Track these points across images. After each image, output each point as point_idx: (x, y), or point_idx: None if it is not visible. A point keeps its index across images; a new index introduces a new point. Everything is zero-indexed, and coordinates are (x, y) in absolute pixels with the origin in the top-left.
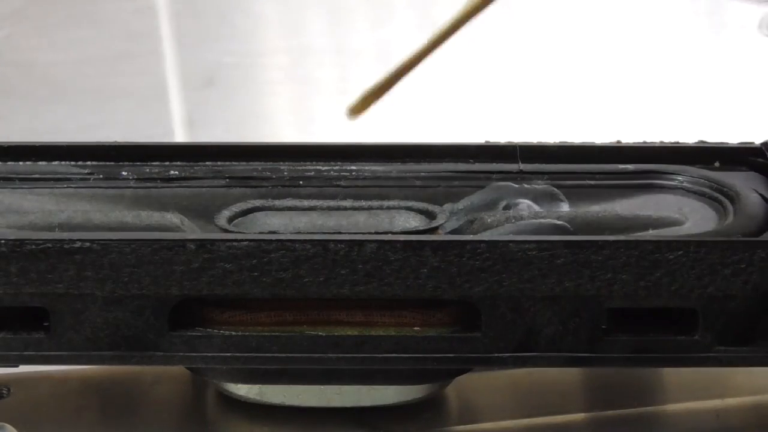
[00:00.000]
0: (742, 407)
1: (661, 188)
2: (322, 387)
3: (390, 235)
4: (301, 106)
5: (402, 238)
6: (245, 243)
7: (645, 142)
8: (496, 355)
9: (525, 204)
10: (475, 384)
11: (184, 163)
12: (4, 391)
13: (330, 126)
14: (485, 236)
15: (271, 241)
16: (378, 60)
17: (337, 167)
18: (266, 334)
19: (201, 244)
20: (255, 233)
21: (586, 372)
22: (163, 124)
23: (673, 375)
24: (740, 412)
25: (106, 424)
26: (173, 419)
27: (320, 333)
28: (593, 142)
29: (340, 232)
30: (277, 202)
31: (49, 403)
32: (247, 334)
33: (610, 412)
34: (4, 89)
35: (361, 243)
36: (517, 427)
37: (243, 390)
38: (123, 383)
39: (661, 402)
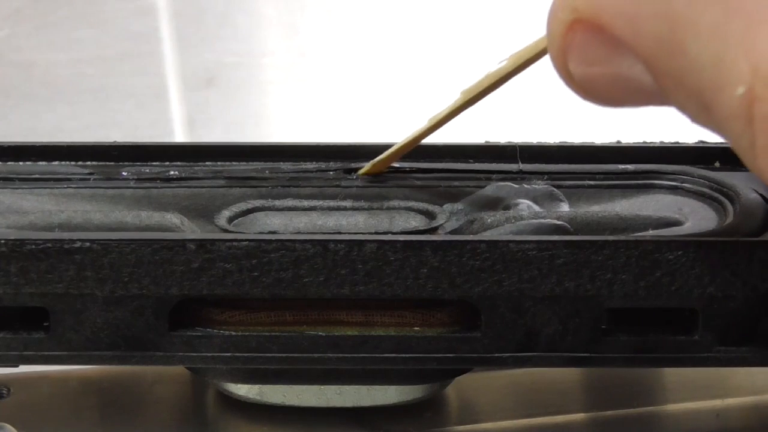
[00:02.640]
0: (742, 407)
1: (661, 188)
2: (322, 387)
3: (390, 235)
4: (302, 106)
5: (402, 238)
6: (245, 243)
7: (645, 142)
8: (496, 355)
9: (525, 204)
10: (475, 384)
11: (184, 164)
12: (4, 391)
13: (331, 126)
14: (485, 236)
15: (271, 241)
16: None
17: (337, 167)
18: (266, 334)
19: (201, 244)
20: (255, 233)
21: (586, 372)
22: (163, 124)
23: (673, 375)
24: (740, 412)
25: (106, 424)
26: (173, 419)
27: (320, 333)
28: (593, 142)
29: (340, 232)
30: (277, 202)
31: (49, 403)
32: (247, 334)
33: (610, 412)
34: (4, 89)
35: (361, 243)
36: (517, 427)
37: (243, 390)
38: (123, 383)
39: (661, 402)
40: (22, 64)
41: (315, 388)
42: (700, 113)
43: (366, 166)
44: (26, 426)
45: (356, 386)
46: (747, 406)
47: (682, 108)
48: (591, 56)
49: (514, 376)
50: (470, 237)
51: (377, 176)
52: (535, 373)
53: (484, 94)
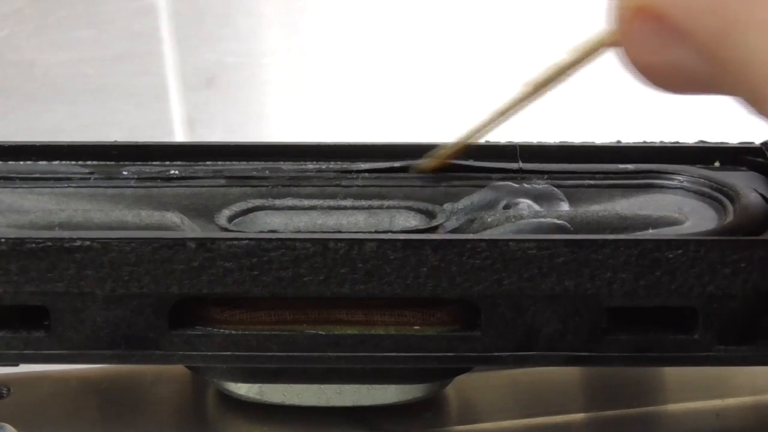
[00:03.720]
0: (742, 407)
1: (661, 188)
2: (321, 386)
3: (390, 234)
4: (303, 106)
5: (402, 236)
6: (245, 242)
7: (645, 142)
8: (496, 354)
9: (525, 203)
10: (475, 384)
11: (185, 163)
12: (4, 391)
13: (331, 125)
14: (485, 235)
15: (271, 239)
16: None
17: (337, 166)
18: (266, 333)
19: (201, 243)
20: (255, 232)
21: (586, 372)
22: (163, 124)
23: (673, 375)
24: (740, 412)
25: (106, 424)
26: (173, 419)
27: (320, 332)
28: (593, 142)
29: (340, 231)
30: (278, 202)
31: (49, 403)
32: (247, 333)
33: (610, 412)
34: (4, 89)
35: (360, 242)
36: (517, 427)
37: (243, 389)
38: (123, 383)
39: (661, 402)
40: (22, 64)
41: (315, 387)
42: (753, 105)
43: (421, 162)
44: (26, 426)
45: (356, 385)
46: (747, 406)
47: (736, 98)
48: (652, 44)
49: (514, 376)
50: (470, 236)
51: (380, 175)
52: (535, 373)
53: (544, 87)
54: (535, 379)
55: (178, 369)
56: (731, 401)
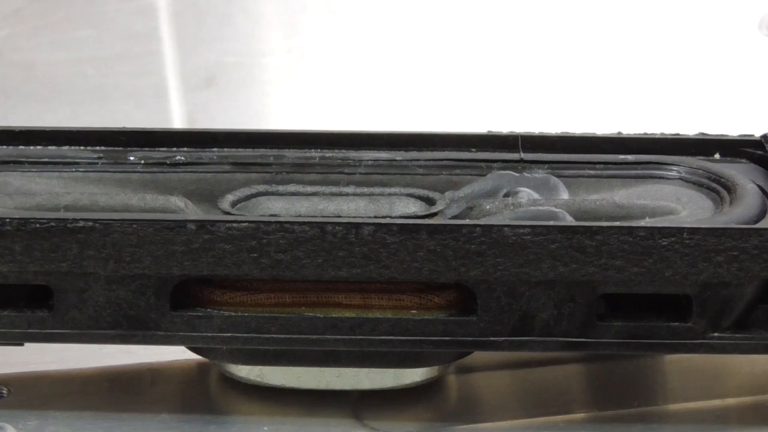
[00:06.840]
0: (742, 407)
1: (660, 178)
2: (321, 370)
3: (387, 218)
4: (302, 106)
5: (399, 221)
6: (245, 224)
7: (646, 134)
8: (491, 338)
9: (525, 192)
10: (476, 384)
11: (191, 149)
12: (4, 391)
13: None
14: (481, 221)
15: (270, 222)
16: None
17: (341, 155)
18: (265, 315)
19: (201, 225)
20: (254, 215)
21: (586, 372)
22: (163, 124)
23: (674, 375)
24: (740, 412)
25: (107, 424)
26: (173, 419)
27: (318, 315)
28: (594, 133)
29: (339, 216)
30: (281, 188)
31: (49, 403)
32: (246, 314)
33: (610, 412)
34: (4, 89)
35: (358, 226)
36: (517, 427)
37: (244, 372)
38: (123, 383)
39: (661, 402)
40: (22, 64)
41: (315, 370)
42: None
43: None
44: (26, 426)
45: (355, 369)
46: (747, 406)
47: None
48: None
49: (514, 376)
50: (466, 221)
51: (383, 163)
52: (535, 373)
53: None
54: (535, 379)
55: (178, 370)
56: (731, 401)
